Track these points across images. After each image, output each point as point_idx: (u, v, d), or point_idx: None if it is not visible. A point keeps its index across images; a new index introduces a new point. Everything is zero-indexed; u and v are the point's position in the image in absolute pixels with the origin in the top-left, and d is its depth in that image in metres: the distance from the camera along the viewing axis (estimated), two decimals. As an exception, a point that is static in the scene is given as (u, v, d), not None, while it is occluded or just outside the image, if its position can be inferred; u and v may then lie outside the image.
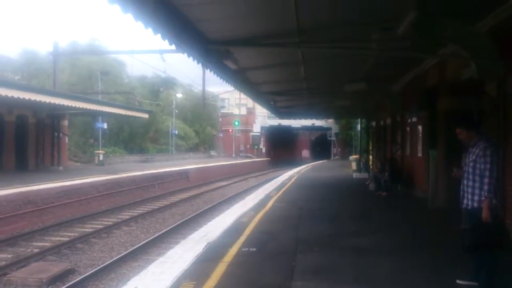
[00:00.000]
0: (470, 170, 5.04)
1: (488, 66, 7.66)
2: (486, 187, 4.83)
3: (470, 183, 5.03)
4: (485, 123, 8.23)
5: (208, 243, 7.42)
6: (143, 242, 11.62)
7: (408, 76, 14.40)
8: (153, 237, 12.31)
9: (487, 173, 4.85)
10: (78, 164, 32.27)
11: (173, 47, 7.13)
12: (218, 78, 10.33)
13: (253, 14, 7.32)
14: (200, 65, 8.93)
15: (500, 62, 7.55)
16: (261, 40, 8.45)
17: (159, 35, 6.03)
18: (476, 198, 4.95)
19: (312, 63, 11.50)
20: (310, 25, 7.97)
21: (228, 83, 11.26)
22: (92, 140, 37.01)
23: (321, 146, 68.90)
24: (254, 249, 7.05)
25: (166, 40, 6.15)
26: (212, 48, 8.13)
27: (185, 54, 7.37)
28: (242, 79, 11.65)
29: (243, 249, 7.01)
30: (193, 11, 6.65)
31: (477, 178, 4.96)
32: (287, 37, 8.47)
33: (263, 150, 64.55)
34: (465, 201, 5.11)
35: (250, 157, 58.68)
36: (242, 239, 7.78)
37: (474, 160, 5.01)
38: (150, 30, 5.55)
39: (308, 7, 6.95)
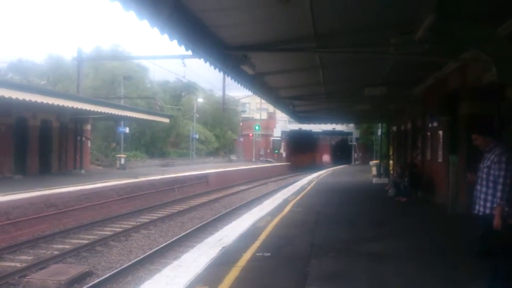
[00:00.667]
0: (484, 176, 4.96)
1: (509, 70, 7.49)
2: (499, 194, 4.74)
3: (484, 189, 4.95)
4: (507, 128, 8.06)
5: (223, 247, 7.44)
6: (161, 246, 11.74)
7: (428, 80, 14.20)
8: (171, 240, 12.43)
9: (500, 180, 4.75)
10: (100, 167, 32.75)
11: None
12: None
13: (269, 20, 7.34)
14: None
15: (522, 66, 7.38)
16: (278, 45, 8.46)
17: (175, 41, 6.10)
18: (488, 204, 4.86)
19: (330, 67, 11.45)
20: (327, 30, 7.95)
21: (246, 88, 11.29)
22: (114, 144, 37.53)
23: (341, 151, 68.44)
24: (269, 254, 7.03)
25: (183, 46, 6.21)
26: (229, 53, 8.18)
27: (202, 60, 7.42)
28: (260, 84, 11.66)
29: (257, 254, 7.01)
30: (209, 17, 6.71)
31: (490, 184, 4.87)
32: (305, 42, 8.46)
33: (284, 155, 64.43)
34: (476, 207, 5.04)
35: (270, 162, 58.64)
36: (257, 243, 7.78)
37: (489, 166, 4.92)
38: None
39: (324, 12, 6.94)
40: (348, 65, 11.47)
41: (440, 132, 13.66)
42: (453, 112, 11.92)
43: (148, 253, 11.02)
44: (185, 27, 5.95)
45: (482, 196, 4.98)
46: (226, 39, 7.77)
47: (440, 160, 13.56)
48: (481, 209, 4.98)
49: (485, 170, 4.99)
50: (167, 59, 25.31)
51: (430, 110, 14.55)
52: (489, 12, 7.43)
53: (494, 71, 7.64)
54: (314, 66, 10.92)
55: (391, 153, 24.45)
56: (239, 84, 10.39)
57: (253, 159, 61.39)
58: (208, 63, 7.61)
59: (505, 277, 4.82)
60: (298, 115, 23.79)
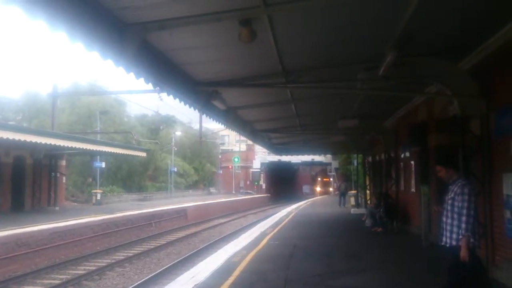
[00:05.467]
0: (449, 208, 5.07)
1: (470, 103, 7.80)
2: (463, 225, 4.84)
3: (449, 221, 5.04)
4: (471, 160, 8.29)
5: (195, 285, 7.35)
6: (135, 284, 11.46)
7: (399, 112, 14.56)
8: (146, 278, 12.17)
9: (464, 211, 4.86)
10: (75, 204, 32.12)
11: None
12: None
13: (238, 57, 7.50)
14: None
15: (482, 100, 7.68)
16: (248, 80, 8.61)
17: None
18: (454, 236, 4.95)
19: (302, 101, 11.65)
20: (295, 67, 8.16)
21: (220, 123, 11.36)
22: (90, 180, 36.97)
23: (321, 181, 68.70)
24: (241, 290, 6.97)
25: (150, 84, 6.27)
26: (199, 89, 8.27)
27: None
28: (234, 118, 11.76)
29: (230, 291, 6.94)
30: (178, 55, 6.82)
31: (455, 216, 4.97)
32: (274, 77, 8.63)
33: (263, 186, 64.34)
34: (443, 238, 5.11)
35: (250, 194, 58.43)
36: (230, 280, 7.69)
37: (453, 198, 5.04)
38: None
39: (289, 50, 7.14)
40: (319, 99, 11.68)
41: (412, 163, 13.91)
42: (423, 143, 12.18)
43: (122, 292, 10.78)
44: (152, 65, 6.02)
45: (448, 227, 5.07)
46: (196, 76, 7.87)
47: (413, 190, 13.75)
48: (448, 240, 5.06)
49: (449, 202, 5.10)
50: (145, 93, 25.28)
51: (402, 141, 14.86)
52: (449, 48, 7.75)
53: (456, 104, 7.92)
54: (286, 100, 11.09)
55: (367, 183, 24.68)
56: (212, 119, 10.46)
57: (233, 191, 61.10)
58: (178, 99, 7.65)
59: None
60: (275, 147, 23.93)
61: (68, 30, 4.12)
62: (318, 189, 72.13)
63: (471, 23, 6.65)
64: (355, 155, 30.12)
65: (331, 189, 60.62)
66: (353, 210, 23.83)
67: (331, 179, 61.77)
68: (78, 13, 4.18)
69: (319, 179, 76.71)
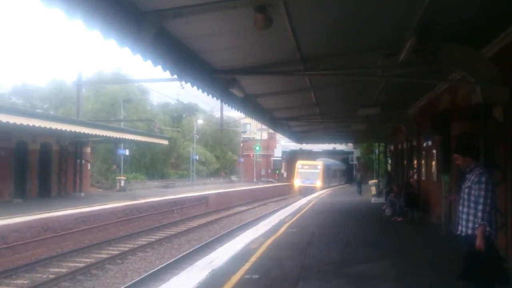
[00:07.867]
0: (466, 196, 5.00)
1: (493, 91, 7.61)
2: (480, 214, 4.77)
3: (465, 210, 4.98)
4: (494, 149, 8.12)
5: (212, 270, 7.44)
6: (157, 268, 11.70)
7: (422, 100, 14.33)
8: (167, 263, 12.40)
9: (481, 200, 4.79)
10: (100, 190, 32.79)
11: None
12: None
13: (255, 45, 7.48)
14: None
15: (506, 87, 7.49)
16: (267, 68, 8.59)
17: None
18: (470, 225, 4.89)
19: (321, 89, 11.57)
20: (313, 54, 8.10)
21: (238, 111, 11.38)
22: (114, 167, 37.64)
23: (342, 170, 68.13)
24: (257, 276, 7.03)
25: (168, 71, 6.32)
26: (217, 77, 8.29)
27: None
28: (253, 106, 11.76)
29: (245, 276, 7.01)
30: (195, 43, 6.85)
31: (472, 204, 4.90)
32: (292, 65, 8.60)
33: (284, 175, 64.31)
34: (459, 227, 5.06)
35: (271, 182, 58.51)
36: (247, 266, 7.77)
37: (470, 187, 4.97)
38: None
39: (307, 37, 7.09)
40: (339, 86, 11.57)
41: (434, 152, 13.70)
42: (445, 131, 11.98)
43: (143, 275, 10.99)
44: (169, 53, 6.06)
45: (464, 216, 5.02)
46: (213, 63, 7.89)
47: (434, 179, 13.57)
48: (464, 229, 5.01)
49: (466, 190, 5.04)
50: (167, 82, 25.50)
51: (424, 129, 14.64)
52: (472, 34, 7.58)
53: (479, 91, 7.75)
54: (305, 88, 11.03)
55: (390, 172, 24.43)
56: (230, 107, 10.48)
57: (254, 180, 61.31)
58: (195, 87, 7.69)
59: None
60: (296, 136, 23.88)
61: (84, 18, 4.19)
62: None
63: (494, 9, 6.48)
64: (377, 144, 29.80)
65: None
66: (373, 200, 23.66)
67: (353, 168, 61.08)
68: (95, 0, 4.24)
69: None
